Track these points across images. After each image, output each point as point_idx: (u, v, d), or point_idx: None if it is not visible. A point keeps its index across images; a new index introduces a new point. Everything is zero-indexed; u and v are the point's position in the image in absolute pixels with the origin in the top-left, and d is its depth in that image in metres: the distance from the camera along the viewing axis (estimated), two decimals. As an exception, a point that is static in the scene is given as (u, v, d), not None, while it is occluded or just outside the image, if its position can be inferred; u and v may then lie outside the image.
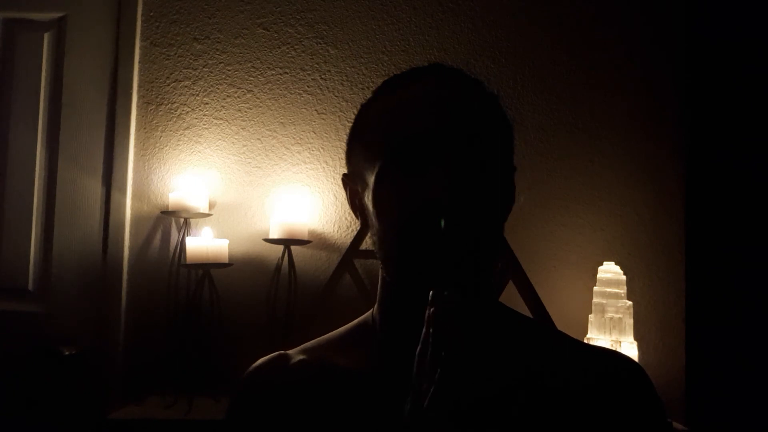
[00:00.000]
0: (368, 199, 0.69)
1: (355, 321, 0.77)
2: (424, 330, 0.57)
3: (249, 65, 2.13)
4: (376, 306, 0.75)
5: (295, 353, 0.75)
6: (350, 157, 0.74)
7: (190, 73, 2.12)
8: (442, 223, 0.62)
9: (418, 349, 0.57)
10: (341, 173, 0.76)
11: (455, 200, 0.62)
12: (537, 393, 0.63)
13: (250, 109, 2.11)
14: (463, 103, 0.68)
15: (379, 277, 0.73)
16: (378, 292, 0.74)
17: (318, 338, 0.77)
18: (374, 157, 0.68)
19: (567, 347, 0.71)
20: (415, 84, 0.70)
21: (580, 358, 0.69)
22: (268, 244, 2.00)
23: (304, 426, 0.68)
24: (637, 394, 0.67)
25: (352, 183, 0.74)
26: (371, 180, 0.68)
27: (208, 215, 2.03)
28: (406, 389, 0.63)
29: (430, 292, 0.58)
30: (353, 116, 0.75)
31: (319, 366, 0.72)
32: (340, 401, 0.68)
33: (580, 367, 0.68)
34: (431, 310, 0.57)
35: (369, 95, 0.74)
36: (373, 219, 0.69)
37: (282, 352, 0.75)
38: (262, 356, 0.76)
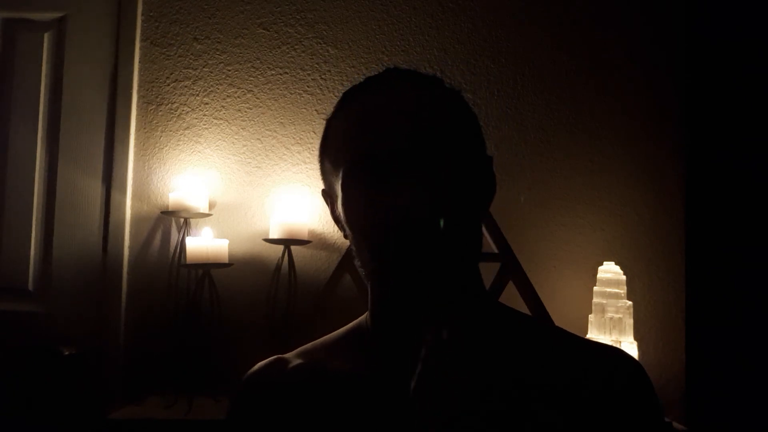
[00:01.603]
0: (339, 211, 0.71)
1: (352, 323, 0.78)
2: (418, 366, 0.58)
3: (249, 65, 2.13)
4: (368, 309, 0.76)
5: (292, 356, 0.76)
6: (322, 172, 0.75)
7: (190, 73, 2.12)
8: (411, 225, 0.62)
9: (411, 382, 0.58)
10: (321, 189, 0.77)
11: (416, 206, 0.63)
12: (533, 393, 0.63)
13: (250, 109, 2.11)
14: (417, 105, 0.68)
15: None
16: (368, 294, 0.75)
17: (315, 341, 0.78)
18: (336, 174, 0.70)
19: (565, 345, 0.71)
20: (370, 93, 0.70)
21: (577, 357, 0.69)
22: (268, 244, 2.00)
23: (302, 428, 0.68)
24: (634, 393, 0.67)
25: (328, 197, 0.75)
26: (338, 194, 0.70)
27: (208, 215, 2.03)
28: (399, 392, 0.64)
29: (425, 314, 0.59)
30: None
31: (316, 369, 0.72)
32: (336, 404, 0.68)
33: (577, 366, 0.67)
34: (423, 348, 0.58)
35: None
36: (347, 230, 0.71)
37: (279, 356, 0.76)
38: (262, 356, 0.77)
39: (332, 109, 0.74)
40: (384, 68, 0.74)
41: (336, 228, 2.24)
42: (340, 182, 0.69)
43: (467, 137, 0.70)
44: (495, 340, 0.69)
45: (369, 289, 0.75)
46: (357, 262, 0.71)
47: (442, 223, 0.63)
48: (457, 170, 0.66)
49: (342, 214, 0.70)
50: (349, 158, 0.67)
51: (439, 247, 0.63)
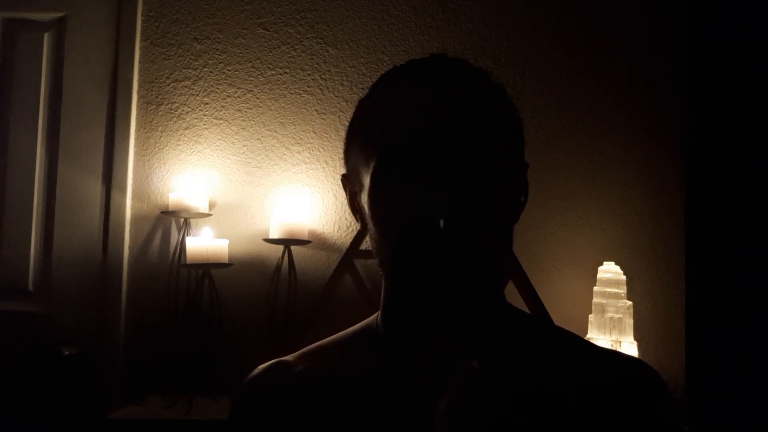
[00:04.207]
0: (364, 201, 0.67)
1: (360, 324, 0.75)
2: (446, 399, 0.57)
3: (249, 65, 2.13)
4: (379, 310, 0.73)
5: (296, 359, 0.73)
6: (347, 156, 0.71)
7: (190, 73, 2.12)
8: (442, 223, 0.60)
9: (441, 407, 0.57)
10: (341, 173, 0.74)
11: (450, 205, 0.60)
12: (548, 400, 0.63)
13: (250, 109, 2.11)
14: (460, 99, 0.64)
15: (382, 281, 0.72)
16: (381, 294, 0.72)
17: (320, 342, 0.76)
18: (369, 158, 0.65)
19: (580, 352, 0.70)
20: (412, 80, 0.66)
21: (593, 363, 0.68)
22: (268, 244, 2.00)
23: None
24: (653, 399, 0.66)
25: (350, 183, 0.71)
26: (366, 181, 0.66)
27: (208, 215, 2.03)
28: (409, 394, 0.63)
29: (456, 365, 0.57)
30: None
31: (321, 371, 0.70)
32: (342, 407, 0.66)
33: (593, 372, 0.67)
34: (454, 380, 0.57)
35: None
36: (369, 222, 0.67)
37: (281, 358, 0.73)
38: (263, 356, 0.75)
39: (368, 90, 0.71)
40: (430, 54, 0.70)
41: (336, 228, 2.25)
42: (370, 172, 0.65)
43: (508, 139, 0.66)
44: (514, 346, 0.68)
45: (383, 288, 0.72)
46: (375, 255, 0.68)
47: (467, 225, 0.61)
48: (493, 172, 0.63)
49: (366, 205, 0.67)
50: (384, 148, 0.64)
51: (462, 250, 0.61)
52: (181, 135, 2.10)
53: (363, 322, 0.75)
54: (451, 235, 0.60)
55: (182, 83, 2.12)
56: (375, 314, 0.74)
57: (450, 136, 0.62)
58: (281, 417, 0.68)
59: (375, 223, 0.66)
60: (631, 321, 1.85)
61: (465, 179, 0.61)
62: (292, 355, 0.74)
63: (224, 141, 2.10)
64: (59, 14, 2.13)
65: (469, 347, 0.66)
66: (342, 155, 0.73)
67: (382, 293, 0.72)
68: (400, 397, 0.64)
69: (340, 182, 0.74)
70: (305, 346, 0.76)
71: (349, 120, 0.72)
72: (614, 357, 0.71)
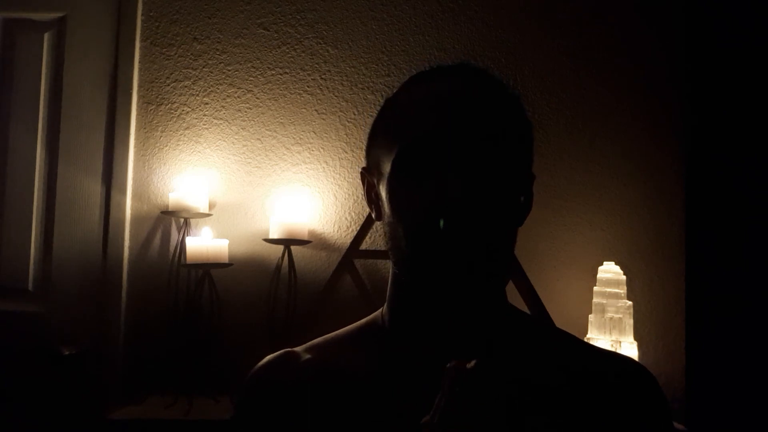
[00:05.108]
0: (383, 190, 0.70)
1: (364, 319, 0.77)
2: (438, 398, 0.57)
3: (249, 65, 2.13)
4: (385, 304, 0.74)
5: (303, 351, 0.74)
6: (371, 148, 0.74)
7: (190, 73, 2.12)
8: (441, 223, 0.62)
9: (431, 416, 0.57)
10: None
11: (464, 201, 0.62)
12: (544, 398, 0.64)
13: (250, 109, 2.11)
14: (480, 103, 0.67)
15: (390, 274, 0.73)
16: (388, 288, 0.74)
17: (325, 336, 0.77)
18: (391, 150, 0.68)
19: (576, 352, 0.72)
20: (437, 81, 0.70)
21: (589, 362, 0.70)
22: (268, 244, 2.00)
23: (312, 425, 0.67)
24: (647, 398, 0.68)
25: (369, 175, 0.74)
26: (387, 169, 0.68)
27: (208, 215, 2.03)
28: (411, 390, 0.63)
29: (448, 364, 0.57)
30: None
31: (327, 364, 0.71)
32: (348, 400, 0.67)
33: (589, 371, 0.68)
34: (446, 380, 0.57)
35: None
36: (387, 210, 0.69)
37: (289, 349, 0.74)
38: (263, 356, 0.75)
39: (398, 89, 0.74)
40: (457, 61, 0.74)
41: (336, 228, 2.25)
42: (391, 161, 0.67)
43: (520, 146, 0.70)
44: (513, 346, 0.69)
45: (390, 282, 0.73)
46: (388, 244, 0.70)
47: (478, 222, 0.63)
48: (505, 174, 0.66)
49: (385, 192, 0.69)
50: (407, 138, 0.67)
51: (471, 246, 0.63)
52: (181, 135, 2.10)
53: (368, 318, 0.77)
54: (461, 230, 0.62)
55: (182, 83, 2.12)
56: (380, 309, 0.76)
57: (467, 138, 0.64)
58: (287, 407, 0.69)
59: (392, 210, 0.68)
60: (631, 321, 1.86)
61: (479, 176, 0.64)
62: (300, 346, 0.75)
63: (224, 141, 2.10)
64: (59, 14, 2.13)
65: (471, 345, 0.67)
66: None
67: (389, 287, 0.73)
68: (402, 393, 0.65)
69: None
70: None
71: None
72: (609, 357, 0.73)
